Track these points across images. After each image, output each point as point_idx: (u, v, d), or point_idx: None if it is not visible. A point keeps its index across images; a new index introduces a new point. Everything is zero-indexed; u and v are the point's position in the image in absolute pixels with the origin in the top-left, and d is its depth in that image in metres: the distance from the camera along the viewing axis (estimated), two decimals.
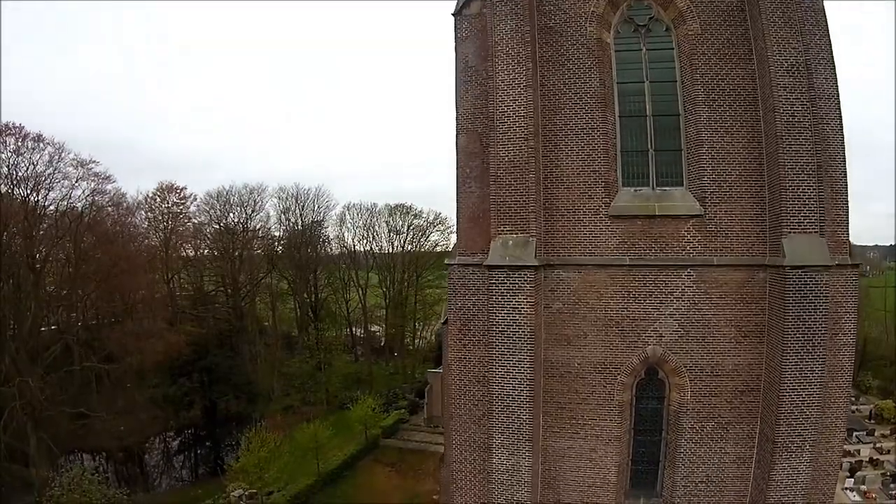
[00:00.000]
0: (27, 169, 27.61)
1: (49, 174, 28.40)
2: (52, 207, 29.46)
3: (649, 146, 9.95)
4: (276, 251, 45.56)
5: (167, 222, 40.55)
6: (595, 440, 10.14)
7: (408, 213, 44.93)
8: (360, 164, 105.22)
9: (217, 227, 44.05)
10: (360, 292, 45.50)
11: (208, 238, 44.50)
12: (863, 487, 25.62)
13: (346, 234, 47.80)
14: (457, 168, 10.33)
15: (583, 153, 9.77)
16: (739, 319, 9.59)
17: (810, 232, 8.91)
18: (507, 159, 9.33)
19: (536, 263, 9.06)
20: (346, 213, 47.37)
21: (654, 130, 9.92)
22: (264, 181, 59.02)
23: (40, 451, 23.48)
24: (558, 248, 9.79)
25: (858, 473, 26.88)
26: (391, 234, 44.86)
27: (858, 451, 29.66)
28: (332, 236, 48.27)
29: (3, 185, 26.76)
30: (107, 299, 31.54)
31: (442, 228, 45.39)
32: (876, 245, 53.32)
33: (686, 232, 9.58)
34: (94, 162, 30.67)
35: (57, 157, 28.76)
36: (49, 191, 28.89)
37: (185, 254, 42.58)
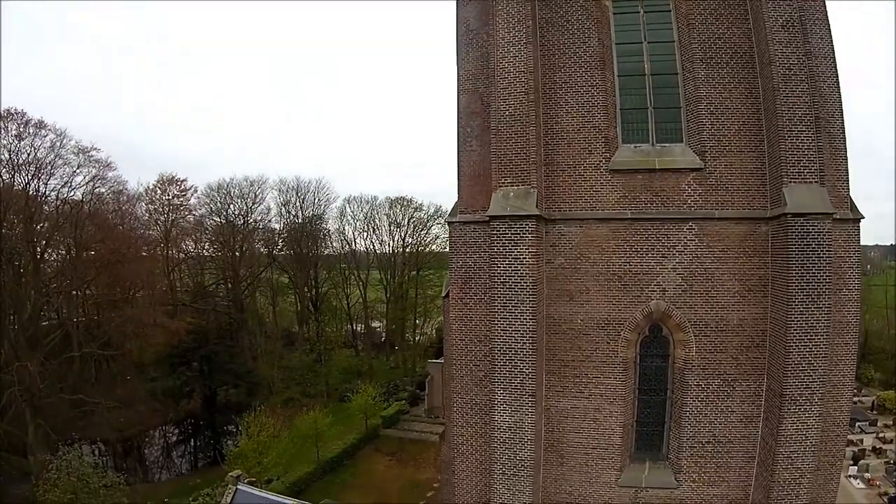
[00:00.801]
0: (28, 154, 27.50)
1: (51, 160, 28.31)
2: (53, 195, 29.40)
3: (648, 104, 10.06)
4: (277, 244, 45.29)
5: (168, 214, 40.39)
6: (599, 399, 9.98)
7: (408, 206, 44.92)
8: (359, 164, 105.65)
9: (217, 219, 43.82)
10: (361, 286, 45.18)
11: (209, 231, 44.24)
12: (867, 475, 26.05)
13: (346, 228, 47.76)
14: (458, 128, 10.43)
15: (582, 110, 9.88)
16: (743, 273, 9.54)
17: (810, 182, 8.93)
18: (507, 114, 9.43)
19: (538, 213, 9.06)
20: (347, 207, 47.37)
21: (652, 89, 10.04)
22: (265, 173, 58.91)
23: (38, 438, 23.05)
24: (559, 203, 9.82)
25: (862, 462, 27.20)
26: (392, 228, 44.88)
27: (861, 441, 29.93)
28: (332, 230, 48.22)
29: (3, 171, 26.73)
30: (107, 286, 31.37)
31: (442, 222, 45.29)
32: (877, 245, 53.47)
33: (686, 185, 9.61)
34: (95, 149, 30.78)
35: (59, 143, 28.81)
36: (50, 177, 28.76)
37: (185, 247, 42.48)
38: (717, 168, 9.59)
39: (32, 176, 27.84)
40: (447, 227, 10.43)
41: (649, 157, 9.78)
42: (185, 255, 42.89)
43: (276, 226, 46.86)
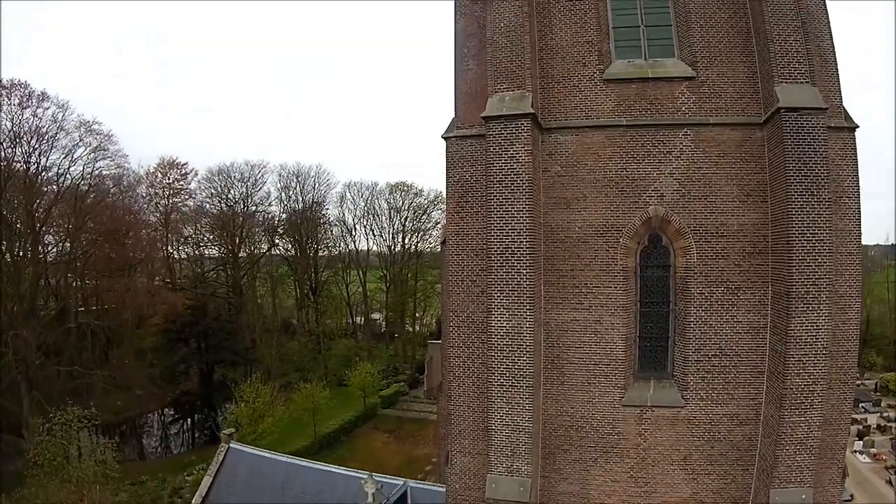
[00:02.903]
0: (31, 123, 27.64)
1: (52, 132, 28.38)
2: (53, 171, 29.43)
3: (640, 23, 10.31)
4: (277, 230, 44.95)
5: (168, 199, 40.24)
6: (600, 310, 9.70)
7: (408, 191, 44.90)
8: (359, 164, 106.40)
9: (218, 201, 43.53)
10: (361, 272, 44.60)
11: (209, 216, 43.90)
12: (872, 450, 27.48)
13: (346, 215, 47.44)
14: (455, 50, 10.69)
15: (576, 25, 10.13)
16: (741, 177, 9.49)
17: (801, 82, 9.03)
18: (503, 25, 9.67)
19: (532, 111, 9.13)
20: (347, 192, 47.28)
21: (643, 7, 10.33)
22: (265, 158, 59.04)
23: (32, 409, 22.22)
24: (555, 113, 9.91)
25: (867, 438, 28.55)
26: (392, 213, 44.82)
27: (866, 420, 31.24)
28: (332, 217, 47.96)
29: (5, 141, 26.84)
30: (106, 258, 31.11)
31: (443, 207, 44.98)
32: (877, 244, 53.49)
33: (680, 94, 9.72)
34: (96, 122, 31.21)
35: (61, 115, 28.99)
36: (51, 149, 28.80)
37: (184, 231, 42.28)
38: (710, 77, 9.72)
39: (33, 148, 27.89)
40: (443, 142, 10.47)
41: (642, 69, 9.94)
42: (185, 239, 42.72)
43: (276, 208, 46.77)
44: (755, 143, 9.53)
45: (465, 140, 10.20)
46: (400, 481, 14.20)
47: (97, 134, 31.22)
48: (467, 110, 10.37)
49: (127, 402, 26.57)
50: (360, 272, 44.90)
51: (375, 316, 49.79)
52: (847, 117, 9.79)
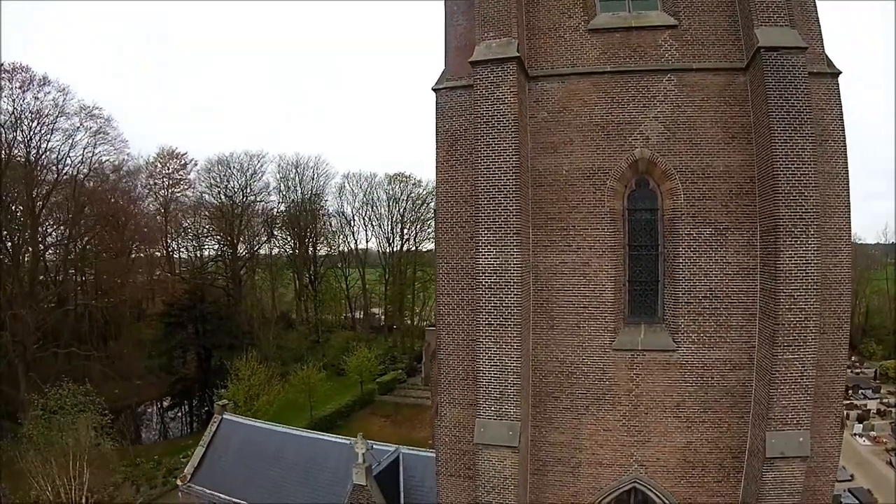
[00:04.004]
0: (32, 106, 27.84)
1: (54, 115, 28.57)
2: (53, 155, 29.58)
3: None
4: (276, 221, 44.68)
5: (168, 189, 40.29)
6: (588, 252, 9.70)
7: (407, 181, 45.06)
8: (359, 163, 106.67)
9: (217, 192, 43.47)
10: (360, 265, 44.33)
11: (209, 207, 43.84)
12: (872, 433, 28.29)
13: (345, 206, 47.32)
14: (445, 7, 11.00)
15: None
16: (725, 121, 9.59)
17: (781, 25, 9.22)
18: None
19: (518, 55, 9.34)
20: (346, 183, 47.28)
21: None
22: (264, 149, 59.14)
23: (30, 393, 21.95)
24: (541, 62, 10.12)
25: (866, 422, 29.38)
26: (391, 203, 44.90)
27: (866, 405, 32.06)
28: (331, 209, 47.86)
29: (6, 124, 26.98)
30: (104, 243, 31.18)
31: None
32: (878, 243, 53.41)
33: (663, 41, 9.91)
34: (97, 108, 31.54)
35: (62, 99, 29.29)
36: (52, 132, 28.87)
37: (183, 223, 42.31)
38: (692, 26, 9.92)
39: (34, 132, 28.09)
40: (434, 95, 10.68)
41: (626, 20, 10.18)
42: (184, 229, 42.77)
43: (274, 198, 46.80)
44: (738, 87, 9.66)
45: (453, 91, 10.41)
46: (392, 447, 13.96)
47: (97, 118, 31.64)
48: (455, 63, 10.60)
49: (125, 390, 26.36)
50: (360, 266, 45.03)
51: (374, 310, 49.41)
52: (829, 63, 9.92)
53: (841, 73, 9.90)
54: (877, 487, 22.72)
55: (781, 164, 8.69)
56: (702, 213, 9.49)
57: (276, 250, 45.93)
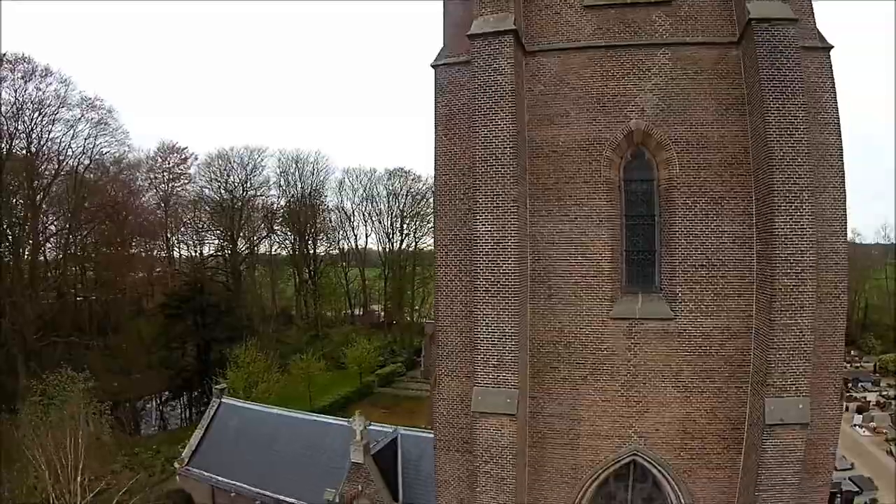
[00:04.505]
0: (34, 96, 27.80)
1: (55, 106, 28.50)
2: (55, 147, 29.51)
3: None
4: (276, 217, 44.59)
5: (168, 183, 40.14)
6: (585, 222, 9.79)
7: (406, 177, 45.15)
8: (359, 160, 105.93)
9: (217, 186, 43.36)
10: (360, 260, 44.21)
11: (209, 202, 43.78)
12: (872, 424, 28.93)
13: (345, 202, 47.44)
14: None
15: None
16: (719, 93, 9.74)
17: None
18: None
19: (514, 28, 9.53)
20: (346, 178, 47.36)
21: None
22: (264, 143, 59.23)
23: (28, 373, 21.82)
24: (538, 38, 10.31)
25: (866, 413, 30.02)
26: (390, 199, 44.95)
27: (865, 398, 32.79)
28: (331, 205, 47.93)
29: (8, 114, 26.97)
30: (103, 234, 31.12)
31: None
32: (877, 243, 53.79)
33: (657, 17, 10.09)
34: (98, 99, 31.54)
35: (63, 90, 29.23)
36: (53, 122, 28.75)
37: (183, 218, 42.21)
38: (685, 1, 10.13)
39: (35, 123, 27.92)
40: (433, 71, 10.87)
41: None
42: (184, 223, 42.68)
43: (275, 192, 46.76)
44: (731, 61, 9.83)
45: (452, 67, 10.60)
46: (390, 428, 13.86)
47: (99, 109, 31.54)
48: (454, 41, 10.78)
49: (124, 383, 26.24)
50: (360, 260, 45.08)
51: (374, 307, 49.30)
52: (821, 38, 10.10)
53: (833, 47, 10.07)
54: (877, 476, 23.05)
55: (774, 132, 8.81)
56: (697, 182, 9.60)
57: (275, 247, 46.36)
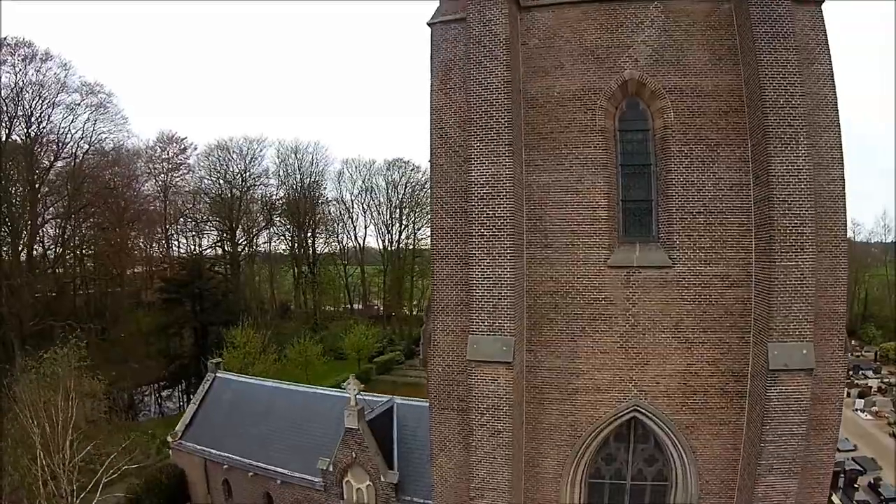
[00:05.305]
0: (34, 80, 27.69)
1: (56, 90, 28.41)
2: (53, 133, 29.35)
3: None
4: (276, 208, 44.26)
5: (167, 174, 39.64)
6: (580, 170, 9.72)
7: (405, 167, 44.98)
8: (358, 151, 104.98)
9: (217, 177, 43.00)
10: (359, 249, 43.75)
11: (208, 193, 43.44)
12: (874, 408, 29.54)
13: (344, 194, 47.15)
14: None
15: None
16: (711, 44, 9.78)
17: None
18: None
19: None
20: (345, 169, 47.14)
21: None
22: (263, 133, 58.43)
23: (25, 359, 21.24)
24: None
25: (868, 398, 30.57)
26: (389, 189, 44.76)
27: (867, 384, 33.23)
28: (330, 197, 47.59)
29: (8, 97, 26.84)
30: (102, 223, 30.82)
31: None
32: (878, 242, 53.86)
33: None
34: (99, 85, 31.45)
35: (64, 74, 29.12)
36: (53, 106, 28.51)
37: (182, 208, 41.81)
38: None
39: (35, 106, 27.67)
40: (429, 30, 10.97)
41: None
42: (183, 214, 42.28)
43: (273, 180, 46.47)
44: (723, 14, 9.91)
45: (448, 25, 10.66)
46: (386, 397, 13.50)
47: (99, 94, 31.49)
48: (450, 1, 10.97)
49: (122, 373, 25.73)
50: (359, 253, 44.79)
51: (374, 302, 48.80)
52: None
53: (824, 0, 10.19)
54: (880, 457, 23.31)
55: (767, 74, 8.82)
56: (692, 129, 9.57)
57: (274, 239, 46.13)
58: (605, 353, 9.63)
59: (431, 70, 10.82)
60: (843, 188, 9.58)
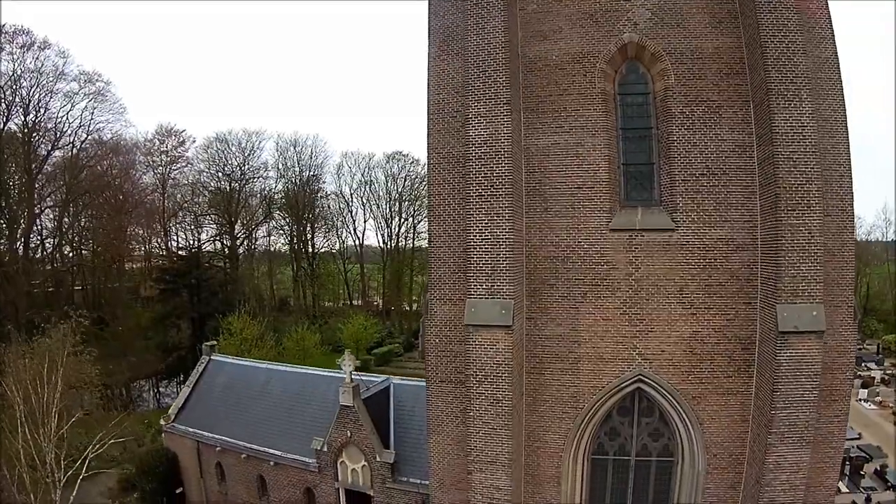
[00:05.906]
0: (32, 67, 27.50)
1: (54, 78, 28.28)
2: (51, 122, 29.17)
3: None
4: (275, 202, 43.90)
5: (166, 166, 39.41)
6: (580, 132, 9.52)
7: (405, 160, 44.74)
8: (357, 144, 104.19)
9: (215, 170, 42.76)
10: (358, 242, 43.36)
11: (207, 186, 43.12)
12: (878, 398, 29.81)
13: (343, 188, 46.85)
14: None
15: None
16: (711, 7, 9.66)
17: None
18: None
19: None
20: (344, 162, 46.77)
21: None
22: (262, 126, 57.82)
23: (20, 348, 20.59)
24: None
25: (871, 388, 30.75)
26: (388, 182, 44.40)
27: (870, 375, 33.16)
28: (329, 191, 47.39)
29: (6, 86, 26.62)
30: (99, 215, 30.36)
31: None
32: (878, 240, 53.80)
33: None
34: (97, 74, 31.26)
35: (62, 62, 29.23)
36: (51, 95, 28.39)
37: (180, 202, 41.37)
38: None
39: (33, 94, 27.52)
40: None
41: None
42: (182, 207, 41.77)
43: (272, 173, 46.16)
44: None
45: None
46: (383, 377, 13.06)
47: (97, 82, 31.54)
48: None
49: (119, 366, 25.14)
50: (358, 248, 44.44)
51: (375, 301, 48.24)
52: None
53: None
54: (885, 445, 23.30)
55: (767, 31, 8.69)
56: (693, 91, 9.40)
57: (273, 233, 45.66)
58: (607, 321, 9.31)
59: (429, 37, 10.66)
60: (848, 151, 9.40)
